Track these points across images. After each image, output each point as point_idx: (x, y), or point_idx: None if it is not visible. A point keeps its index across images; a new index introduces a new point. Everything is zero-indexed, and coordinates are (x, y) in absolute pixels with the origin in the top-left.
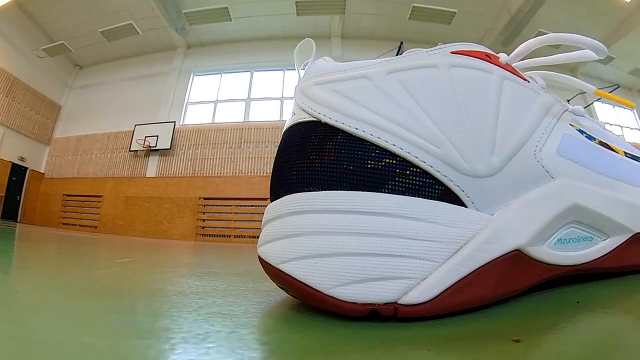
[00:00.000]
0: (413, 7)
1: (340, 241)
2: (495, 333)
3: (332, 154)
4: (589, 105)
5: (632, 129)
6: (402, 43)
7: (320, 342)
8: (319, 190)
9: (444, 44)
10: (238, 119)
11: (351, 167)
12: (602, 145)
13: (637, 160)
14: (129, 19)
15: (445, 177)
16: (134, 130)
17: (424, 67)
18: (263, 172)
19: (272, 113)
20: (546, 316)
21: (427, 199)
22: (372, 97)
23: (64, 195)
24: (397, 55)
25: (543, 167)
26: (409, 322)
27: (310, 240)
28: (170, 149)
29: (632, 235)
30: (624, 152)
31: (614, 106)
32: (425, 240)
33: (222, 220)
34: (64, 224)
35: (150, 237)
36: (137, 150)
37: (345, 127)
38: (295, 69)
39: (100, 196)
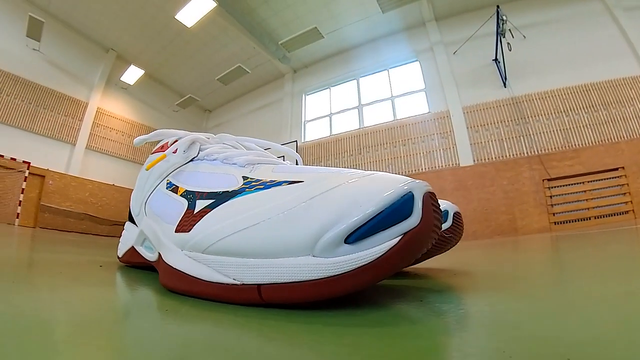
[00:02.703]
0: None
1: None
2: None
3: None
4: None
5: None
6: (498, 7)
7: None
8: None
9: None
10: (353, 127)
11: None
12: (172, 190)
13: (191, 197)
14: (237, 62)
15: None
16: None
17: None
18: None
19: (385, 114)
20: None
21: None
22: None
23: None
24: (497, 22)
25: (145, 212)
26: None
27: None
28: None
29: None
30: (186, 190)
31: None
32: None
33: None
34: None
35: None
36: None
37: None
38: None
39: None
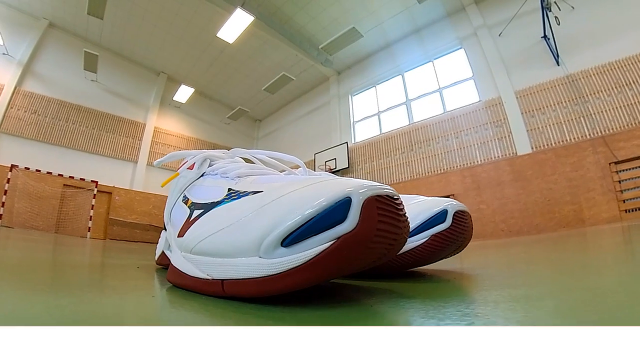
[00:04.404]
0: None
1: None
2: None
3: None
4: None
5: None
6: None
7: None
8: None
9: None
10: (403, 123)
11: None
12: (185, 202)
13: (193, 208)
14: (281, 71)
15: None
16: (314, 159)
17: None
18: (440, 170)
19: (435, 107)
20: None
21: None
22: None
23: None
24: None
25: (170, 221)
26: None
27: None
28: (348, 167)
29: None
30: (192, 202)
31: None
32: None
33: None
34: None
35: None
36: None
37: None
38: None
39: None
